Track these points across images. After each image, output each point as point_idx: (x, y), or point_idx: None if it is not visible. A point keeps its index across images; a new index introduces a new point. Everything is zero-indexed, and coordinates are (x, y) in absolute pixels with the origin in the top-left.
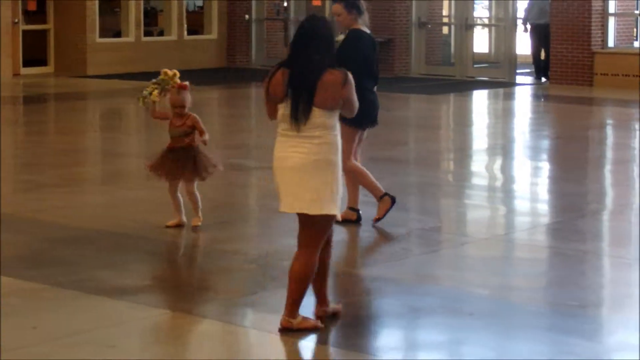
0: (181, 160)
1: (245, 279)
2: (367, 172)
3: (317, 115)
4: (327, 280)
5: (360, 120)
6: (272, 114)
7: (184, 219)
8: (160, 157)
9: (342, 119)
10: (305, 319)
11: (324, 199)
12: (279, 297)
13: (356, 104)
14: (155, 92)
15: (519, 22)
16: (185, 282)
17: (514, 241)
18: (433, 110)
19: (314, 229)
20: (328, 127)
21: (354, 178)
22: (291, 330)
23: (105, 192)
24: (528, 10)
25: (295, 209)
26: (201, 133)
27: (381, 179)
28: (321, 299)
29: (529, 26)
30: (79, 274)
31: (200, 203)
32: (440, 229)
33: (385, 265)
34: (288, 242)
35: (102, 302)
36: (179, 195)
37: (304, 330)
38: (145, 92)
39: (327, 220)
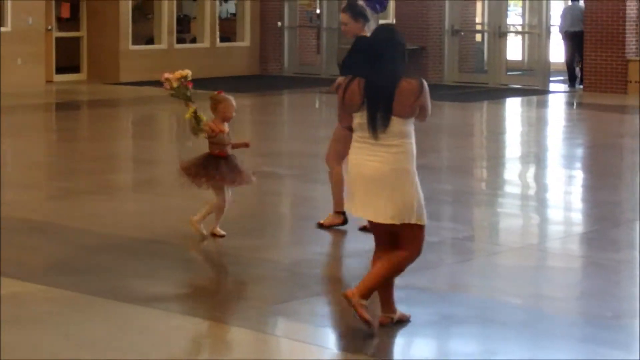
0: (229, 166)
1: (277, 287)
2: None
3: (395, 123)
4: (394, 287)
5: None
6: (346, 122)
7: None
8: (202, 164)
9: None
10: (366, 308)
11: (407, 208)
12: (311, 305)
13: (429, 110)
14: (199, 114)
15: (553, 29)
16: (217, 290)
17: (547, 250)
18: (466, 118)
19: (401, 236)
20: (405, 135)
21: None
22: (349, 302)
23: (139, 199)
24: (562, 18)
25: (378, 218)
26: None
27: None
28: (387, 306)
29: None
30: (113, 281)
31: None
32: (473, 238)
33: (418, 274)
34: (320, 250)
35: (135, 310)
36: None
37: (357, 316)
38: (191, 119)
39: (416, 228)
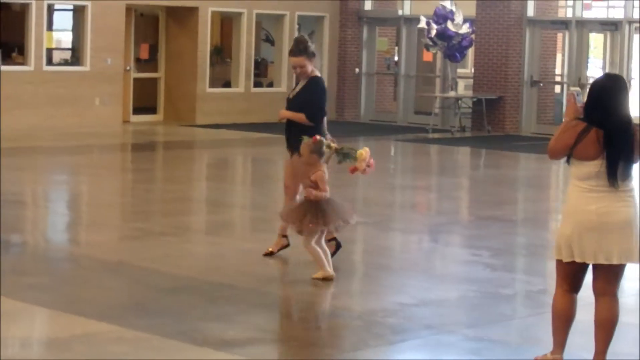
0: (330, 208)
1: (350, 335)
2: None
3: (632, 170)
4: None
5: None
6: (558, 157)
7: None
8: (303, 211)
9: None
10: None
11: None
12: (383, 354)
13: None
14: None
15: (634, 82)
16: (290, 337)
17: (623, 306)
18: (543, 170)
19: (620, 277)
20: (634, 178)
21: None
22: None
23: (213, 242)
24: None
25: (621, 260)
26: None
27: (489, 238)
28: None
29: None
30: (185, 324)
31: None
32: (547, 291)
33: (492, 326)
34: (394, 299)
35: (207, 354)
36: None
37: None
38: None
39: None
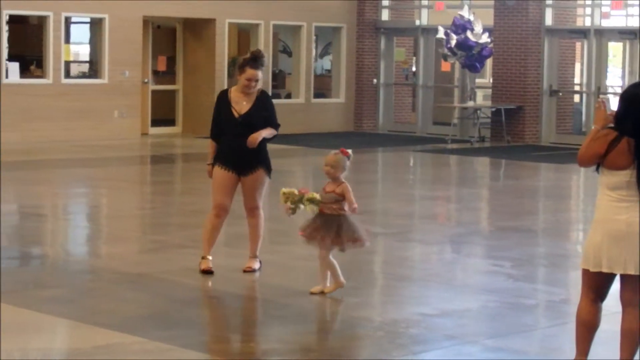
0: (342, 227)
1: (372, 346)
2: None
3: None
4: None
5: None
6: (589, 165)
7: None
8: (316, 224)
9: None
10: None
11: None
12: None
13: None
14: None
15: None
16: (311, 348)
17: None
18: (562, 180)
19: (634, 287)
20: None
21: (258, 227)
22: None
23: (233, 255)
24: None
25: None
26: (350, 203)
27: (510, 248)
28: None
29: None
30: (206, 335)
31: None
32: (569, 301)
33: (514, 337)
34: (415, 310)
35: None
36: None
37: None
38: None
39: None
